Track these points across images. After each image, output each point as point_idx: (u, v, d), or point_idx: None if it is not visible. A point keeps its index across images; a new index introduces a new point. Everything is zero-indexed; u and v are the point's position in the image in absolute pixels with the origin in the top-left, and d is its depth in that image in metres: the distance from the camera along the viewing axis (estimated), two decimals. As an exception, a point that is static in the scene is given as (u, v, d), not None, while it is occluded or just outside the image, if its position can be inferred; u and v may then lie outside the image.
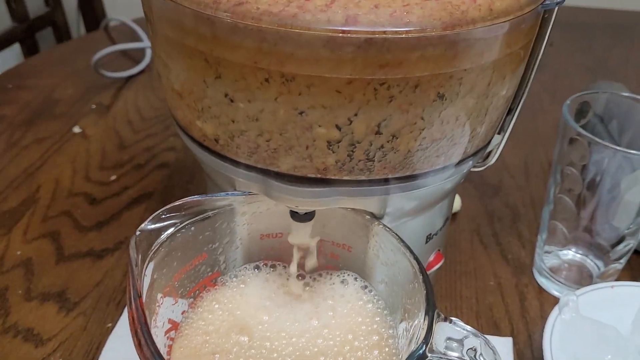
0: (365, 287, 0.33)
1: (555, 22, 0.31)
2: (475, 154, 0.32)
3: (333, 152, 0.27)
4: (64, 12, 0.99)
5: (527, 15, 0.27)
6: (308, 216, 0.31)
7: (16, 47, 0.95)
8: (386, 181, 0.29)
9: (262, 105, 0.26)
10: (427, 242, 0.36)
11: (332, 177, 0.28)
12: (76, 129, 0.62)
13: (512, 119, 0.35)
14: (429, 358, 0.25)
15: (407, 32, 0.24)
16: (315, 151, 0.27)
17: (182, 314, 0.32)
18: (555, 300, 0.44)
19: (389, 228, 0.31)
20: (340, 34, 0.24)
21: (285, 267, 0.35)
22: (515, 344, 0.41)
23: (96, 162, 0.57)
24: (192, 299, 0.33)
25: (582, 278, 0.44)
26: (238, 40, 0.25)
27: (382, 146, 0.27)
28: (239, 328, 0.31)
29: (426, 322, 0.26)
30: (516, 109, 0.35)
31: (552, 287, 0.45)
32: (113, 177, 0.55)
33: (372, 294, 0.33)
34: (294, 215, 0.32)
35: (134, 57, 0.78)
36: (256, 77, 0.26)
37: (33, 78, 0.71)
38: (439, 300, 0.44)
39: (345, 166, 0.28)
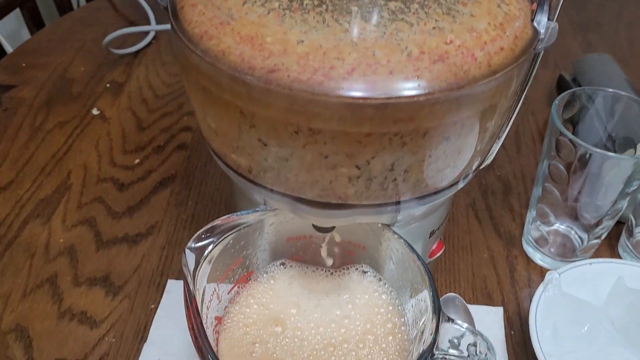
0: (380, 279, 0.39)
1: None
2: (475, 169, 0.37)
3: (353, 186, 0.32)
4: (60, -28, 0.99)
5: (521, 63, 0.31)
6: (328, 229, 0.37)
7: (17, 11, 0.95)
8: (398, 202, 0.34)
9: (291, 150, 0.31)
10: (430, 236, 0.41)
11: (351, 203, 0.33)
12: (95, 111, 0.65)
13: (506, 129, 0.40)
14: (435, 356, 0.31)
15: (417, 95, 0.28)
16: (337, 185, 0.32)
17: (225, 309, 0.38)
18: (542, 270, 0.50)
19: (398, 235, 0.36)
20: (360, 100, 0.28)
21: (307, 266, 0.41)
22: (505, 311, 0.47)
23: (118, 145, 0.61)
24: (231, 296, 0.38)
25: (566, 250, 0.50)
26: (271, 101, 0.29)
27: (394, 179, 0.32)
28: (274, 320, 0.37)
29: (434, 323, 0.32)
30: (508, 122, 0.39)
31: (538, 259, 0.51)
32: (137, 161, 0.60)
33: (386, 286, 0.39)
34: (316, 227, 0.37)
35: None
36: (287, 129, 0.30)
37: (44, 56, 0.74)
38: (439, 274, 0.50)
39: (362, 195, 0.33)
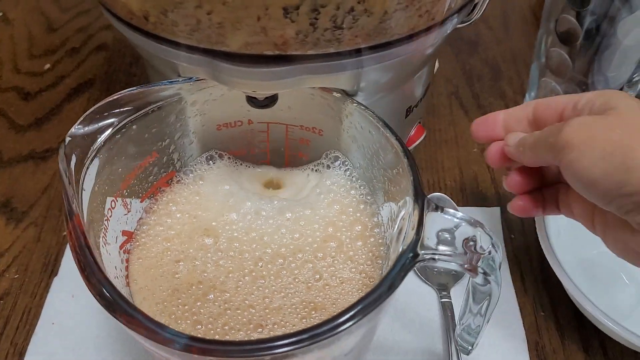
0: (346, 170, 0.30)
1: None
2: (460, 9, 0.27)
3: (292, 22, 0.22)
4: None
5: None
6: (268, 100, 0.27)
7: None
8: (359, 52, 0.24)
9: (195, -33, 0.21)
10: (407, 116, 0.32)
11: (294, 53, 0.23)
12: (-5, 12, 0.53)
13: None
14: (420, 256, 0.22)
15: None
16: (269, 22, 0.22)
17: (138, 222, 0.28)
18: (542, 163, 0.42)
19: (364, 106, 0.27)
20: None
21: (241, 163, 0.31)
22: (502, 212, 0.38)
23: (24, 49, 0.50)
24: (146, 205, 0.29)
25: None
26: None
27: (352, 9, 0.22)
28: (203, 229, 0.28)
29: (416, 214, 0.23)
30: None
31: (538, 149, 0.42)
32: (47, 66, 0.49)
33: (353, 179, 0.29)
34: (252, 101, 0.27)
35: None
36: None
37: None
38: (420, 172, 0.41)
39: (308, 38, 0.23)
